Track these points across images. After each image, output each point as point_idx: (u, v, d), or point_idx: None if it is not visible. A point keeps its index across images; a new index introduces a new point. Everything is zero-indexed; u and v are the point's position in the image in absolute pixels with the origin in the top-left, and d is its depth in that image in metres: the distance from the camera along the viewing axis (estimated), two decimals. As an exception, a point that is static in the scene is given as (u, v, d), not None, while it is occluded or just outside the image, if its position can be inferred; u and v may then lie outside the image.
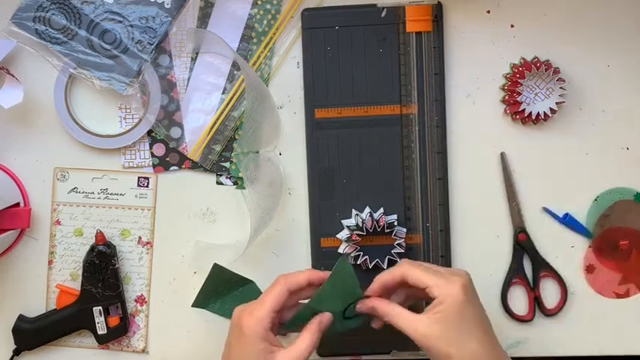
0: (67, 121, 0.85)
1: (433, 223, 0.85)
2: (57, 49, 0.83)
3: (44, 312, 0.87)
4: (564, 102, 0.84)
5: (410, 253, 0.85)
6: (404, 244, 0.84)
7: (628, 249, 0.86)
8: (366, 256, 0.84)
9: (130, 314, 0.87)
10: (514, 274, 0.86)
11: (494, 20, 0.85)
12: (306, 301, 0.76)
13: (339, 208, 0.85)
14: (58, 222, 0.87)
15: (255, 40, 0.85)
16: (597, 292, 0.87)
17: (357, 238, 0.83)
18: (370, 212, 0.84)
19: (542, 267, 0.86)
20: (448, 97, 0.85)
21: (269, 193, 0.84)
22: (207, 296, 0.84)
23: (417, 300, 0.78)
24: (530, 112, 0.84)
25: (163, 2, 0.84)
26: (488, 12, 0.85)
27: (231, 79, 0.86)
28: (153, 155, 0.86)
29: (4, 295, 0.87)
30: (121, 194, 0.87)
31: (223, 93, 0.86)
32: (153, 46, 0.84)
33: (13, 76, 0.84)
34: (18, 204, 0.85)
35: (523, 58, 0.85)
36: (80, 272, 0.85)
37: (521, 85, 0.83)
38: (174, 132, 0.86)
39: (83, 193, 0.87)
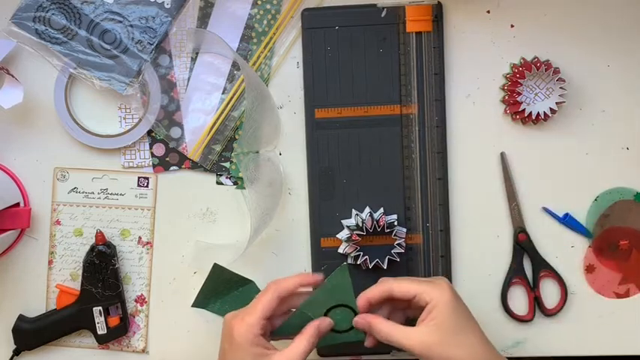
0: (67, 121, 0.85)
1: (433, 223, 0.85)
2: (57, 49, 0.83)
3: (44, 312, 0.87)
4: (564, 102, 0.84)
5: (410, 253, 0.85)
6: (404, 244, 0.84)
7: (628, 249, 0.86)
8: (366, 256, 0.84)
9: (130, 314, 0.87)
10: (514, 274, 0.86)
11: (494, 20, 0.85)
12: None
13: (339, 208, 0.85)
14: (58, 222, 0.87)
15: (255, 40, 0.85)
16: (597, 292, 0.87)
17: (357, 238, 0.83)
18: (370, 212, 0.84)
19: (542, 267, 0.86)
20: (448, 97, 0.85)
21: (269, 193, 0.84)
22: (207, 296, 0.84)
23: (400, 313, 0.77)
24: (530, 112, 0.84)
25: (163, 2, 0.84)
26: (488, 12, 0.85)
27: (231, 79, 0.86)
28: (153, 155, 0.86)
29: (4, 295, 0.87)
30: (121, 194, 0.87)
31: (223, 93, 0.86)
32: (153, 46, 0.84)
33: (13, 76, 0.84)
34: (18, 204, 0.85)
35: (523, 58, 0.85)
36: (80, 272, 0.85)
37: (521, 85, 0.83)
38: (174, 132, 0.86)
39: (83, 193, 0.86)
